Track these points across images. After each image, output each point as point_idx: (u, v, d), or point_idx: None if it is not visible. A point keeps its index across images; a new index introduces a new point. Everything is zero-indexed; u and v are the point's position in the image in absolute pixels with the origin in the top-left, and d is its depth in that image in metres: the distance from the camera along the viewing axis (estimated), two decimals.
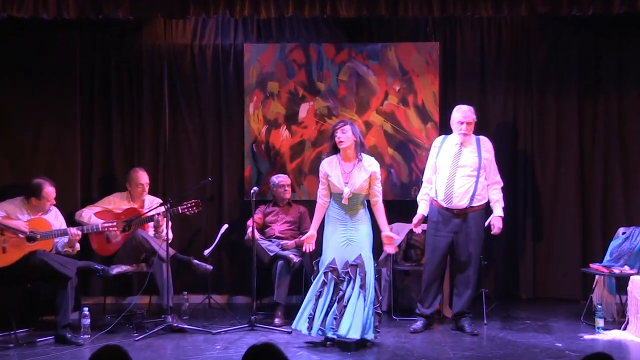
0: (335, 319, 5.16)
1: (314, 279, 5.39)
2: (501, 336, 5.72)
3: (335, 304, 5.18)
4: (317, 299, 5.26)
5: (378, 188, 5.43)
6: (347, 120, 5.54)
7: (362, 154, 5.40)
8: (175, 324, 5.79)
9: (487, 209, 5.90)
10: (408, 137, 7.07)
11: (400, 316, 6.26)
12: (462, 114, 5.84)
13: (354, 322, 5.12)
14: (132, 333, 5.75)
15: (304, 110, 7.11)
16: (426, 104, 7.06)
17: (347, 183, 5.31)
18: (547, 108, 7.10)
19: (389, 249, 5.52)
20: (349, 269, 5.22)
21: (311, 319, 5.24)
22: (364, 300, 5.17)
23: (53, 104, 6.81)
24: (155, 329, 5.71)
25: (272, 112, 7.10)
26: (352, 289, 5.18)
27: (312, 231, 5.51)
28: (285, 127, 7.11)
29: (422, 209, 5.91)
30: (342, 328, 5.13)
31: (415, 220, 5.94)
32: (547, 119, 7.11)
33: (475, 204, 5.78)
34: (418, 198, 5.99)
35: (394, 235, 5.60)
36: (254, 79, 7.09)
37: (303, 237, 5.72)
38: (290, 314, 6.28)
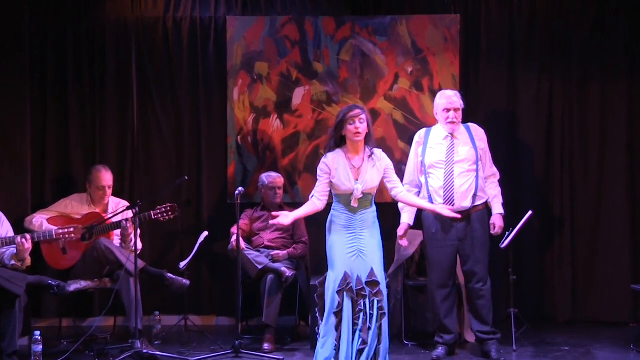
0: (358, 350, 5.11)
1: (320, 300, 5.32)
2: None
3: (358, 332, 5.13)
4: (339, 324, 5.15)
5: (396, 177, 5.35)
6: (361, 107, 5.38)
7: (374, 149, 5.32)
8: (145, 351, 5.76)
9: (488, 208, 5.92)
10: (422, 127, 7.02)
11: (413, 341, 6.26)
12: (446, 99, 5.83)
13: (379, 354, 5.10)
14: None
15: (298, 96, 7.12)
16: (444, 88, 7.02)
17: (357, 180, 5.23)
18: (590, 96, 7.10)
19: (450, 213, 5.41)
20: (363, 286, 5.15)
21: (337, 350, 5.10)
22: (384, 328, 5.13)
23: None
24: (121, 357, 5.67)
25: (261, 98, 7.11)
26: (371, 315, 5.13)
27: (292, 214, 5.23)
28: (276, 116, 7.12)
29: (407, 218, 5.88)
30: None
31: (400, 231, 5.89)
32: (590, 108, 7.11)
33: (478, 202, 5.79)
34: (400, 205, 5.89)
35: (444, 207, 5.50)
36: (239, 58, 7.10)
37: (277, 219, 5.26)
38: (281, 337, 6.29)
